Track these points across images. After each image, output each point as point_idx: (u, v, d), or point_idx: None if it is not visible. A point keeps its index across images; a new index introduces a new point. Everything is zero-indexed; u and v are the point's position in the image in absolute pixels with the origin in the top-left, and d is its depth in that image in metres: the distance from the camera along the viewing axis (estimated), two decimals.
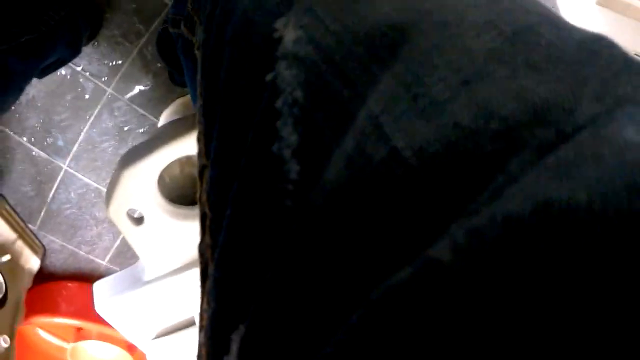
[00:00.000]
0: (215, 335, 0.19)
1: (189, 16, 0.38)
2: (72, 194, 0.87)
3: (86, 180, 0.86)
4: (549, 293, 0.10)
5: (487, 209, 0.11)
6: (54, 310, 0.89)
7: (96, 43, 0.74)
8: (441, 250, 0.11)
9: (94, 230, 0.92)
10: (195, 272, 0.64)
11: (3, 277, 0.79)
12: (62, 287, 0.94)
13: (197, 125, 0.25)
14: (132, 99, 0.79)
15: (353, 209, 0.14)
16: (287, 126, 0.17)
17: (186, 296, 0.68)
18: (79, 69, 0.76)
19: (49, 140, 0.82)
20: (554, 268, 0.10)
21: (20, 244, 0.85)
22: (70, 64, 0.74)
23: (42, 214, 0.89)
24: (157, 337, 0.74)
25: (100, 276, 0.93)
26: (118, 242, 0.94)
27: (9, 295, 0.80)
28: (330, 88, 0.17)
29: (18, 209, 0.87)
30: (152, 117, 0.81)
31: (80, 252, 0.94)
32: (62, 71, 0.75)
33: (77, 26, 0.63)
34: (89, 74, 0.76)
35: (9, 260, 0.81)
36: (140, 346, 0.76)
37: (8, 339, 0.76)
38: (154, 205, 0.57)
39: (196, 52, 0.34)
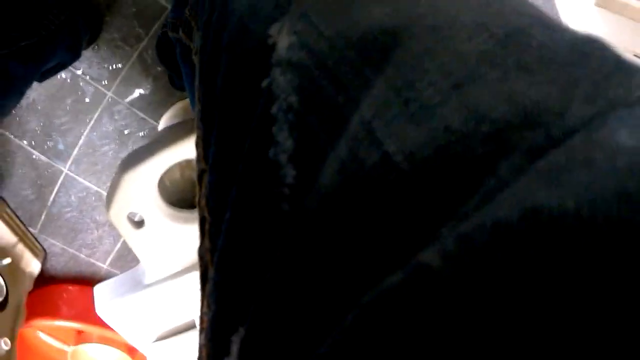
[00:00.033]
0: (216, 337, 0.19)
1: (186, 22, 0.38)
2: (73, 198, 0.87)
3: (87, 183, 0.86)
4: (536, 300, 0.10)
5: (477, 214, 0.11)
6: (54, 313, 0.89)
7: (96, 47, 0.74)
8: (431, 255, 0.11)
9: (95, 233, 0.92)
10: (195, 275, 0.65)
11: (4, 280, 0.79)
12: (62, 290, 0.94)
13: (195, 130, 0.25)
14: (132, 103, 0.80)
15: (346, 214, 0.14)
16: (283, 131, 0.17)
17: (186, 299, 0.68)
18: (79, 72, 0.76)
19: (50, 143, 0.82)
20: (541, 275, 0.10)
21: (20, 247, 0.85)
22: (70, 67, 0.74)
23: (43, 217, 0.89)
24: (158, 339, 0.75)
25: (101, 279, 0.94)
26: (119, 245, 0.94)
27: (10, 298, 0.80)
28: (323, 93, 0.17)
29: (19, 213, 0.87)
30: (152, 121, 0.81)
31: (81, 255, 0.94)
32: (63, 75, 0.75)
33: (77, 30, 0.64)
34: (89, 78, 0.77)
35: (9, 264, 0.81)
36: (141, 349, 0.76)
37: (9, 342, 0.76)
38: (155, 208, 0.57)
39: (194, 57, 0.35)
